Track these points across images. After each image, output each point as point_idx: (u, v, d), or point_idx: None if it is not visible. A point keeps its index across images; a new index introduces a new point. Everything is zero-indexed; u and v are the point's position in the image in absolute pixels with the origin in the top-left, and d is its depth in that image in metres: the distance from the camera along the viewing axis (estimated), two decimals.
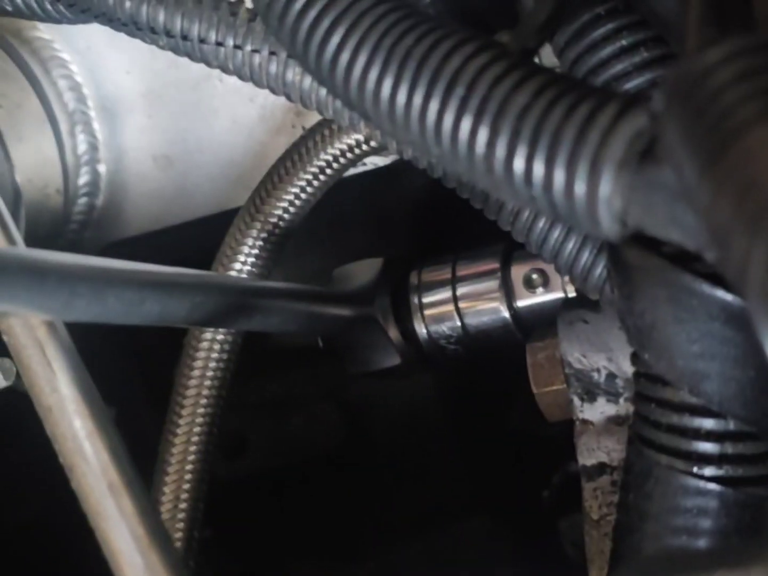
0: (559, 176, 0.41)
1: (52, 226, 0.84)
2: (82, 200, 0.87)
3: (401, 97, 0.46)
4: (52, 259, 0.50)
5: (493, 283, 0.78)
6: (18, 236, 0.57)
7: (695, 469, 0.53)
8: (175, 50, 0.63)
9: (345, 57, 0.48)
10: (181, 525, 0.73)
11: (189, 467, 0.74)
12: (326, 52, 0.48)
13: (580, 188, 0.41)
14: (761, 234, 0.31)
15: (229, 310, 0.64)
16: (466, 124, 0.44)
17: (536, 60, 0.64)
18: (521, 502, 0.89)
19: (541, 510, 0.88)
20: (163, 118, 0.79)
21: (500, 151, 0.43)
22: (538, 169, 0.42)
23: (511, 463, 0.91)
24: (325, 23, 0.48)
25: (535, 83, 0.43)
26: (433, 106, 0.45)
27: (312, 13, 0.49)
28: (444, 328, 0.80)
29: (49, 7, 0.67)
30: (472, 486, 0.95)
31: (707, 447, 0.53)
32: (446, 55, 0.45)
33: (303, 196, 0.75)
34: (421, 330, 0.81)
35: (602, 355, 0.66)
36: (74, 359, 0.53)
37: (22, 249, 0.53)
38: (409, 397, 0.95)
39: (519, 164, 0.42)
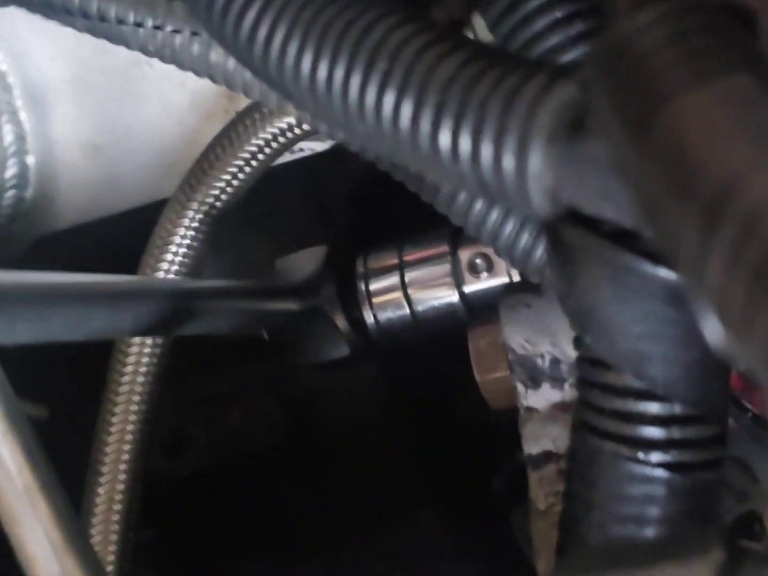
0: (486, 150, 0.39)
1: None
2: (10, 193, 0.84)
3: (322, 73, 0.44)
4: None
5: (442, 268, 0.77)
6: None
7: (641, 455, 0.51)
8: (93, 32, 0.60)
9: (263, 31, 0.46)
10: (115, 527, 0.71)
11: (123, 467, 0.72)
12: (243, 27, 0.46)
13: (508, 162, 0.39)
14: (692, 207, 0.29)
15: (176, 316, 0.62)
16: (389, 99, 0.42)
17: (471, 35, 0.62)
18: (470, 494, 0.88)
19: (491, 501, 0.87)
20: (90, 105, 0.76)
21: (425, 125, 0.41)
22: (465, 143, 0.40)
23: (459, 454, 0.89)
24: None
25: (460, 55, 0.41)
26: (355, 80, 0.43)
27: None
28: (393, 314, 0.78)
29: None
30: (419, 478, 0.93)
31: (653, 432, 0.51)
32: (368, 26, 0.43)
33: (235, 182, 0.73)
34: (369, 318, 0.78)
35: (546, 339, 0.64)
36: None
37: None
38: (352, 389, 0.93)
39: (445, 139, 0.40)
